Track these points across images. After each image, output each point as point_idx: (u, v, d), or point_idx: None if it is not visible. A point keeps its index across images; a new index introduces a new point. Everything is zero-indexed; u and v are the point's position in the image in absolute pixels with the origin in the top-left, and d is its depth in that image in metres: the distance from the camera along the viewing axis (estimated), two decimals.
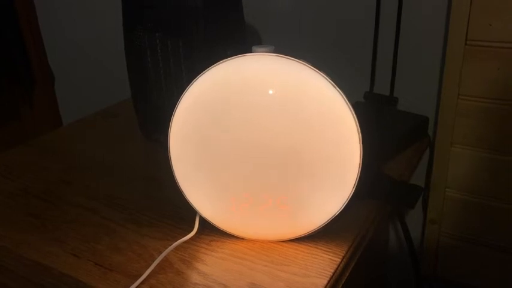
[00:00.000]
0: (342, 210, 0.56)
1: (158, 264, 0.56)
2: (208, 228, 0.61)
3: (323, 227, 0.57)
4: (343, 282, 0.55)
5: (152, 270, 0.55)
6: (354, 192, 0.54)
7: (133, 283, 0.53)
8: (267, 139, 0.53)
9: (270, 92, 0.53)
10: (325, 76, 0.52)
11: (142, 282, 0.54)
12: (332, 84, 0.52)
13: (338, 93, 0.52)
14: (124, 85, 0.89)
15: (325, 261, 0.56)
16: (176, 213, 0.65)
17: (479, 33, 0.71)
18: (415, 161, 0.83)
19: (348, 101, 0.52)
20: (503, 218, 0.80)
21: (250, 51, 0.56)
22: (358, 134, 0.52)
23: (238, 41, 0.79)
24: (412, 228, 0.93)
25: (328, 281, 0.53)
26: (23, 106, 1.43)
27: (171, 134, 0.58)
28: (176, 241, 0.58)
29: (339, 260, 0.56)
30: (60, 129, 1.06)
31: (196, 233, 0.60)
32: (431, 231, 0.88)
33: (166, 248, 0.57)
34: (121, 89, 1.01)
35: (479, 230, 0.84)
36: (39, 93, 1.43)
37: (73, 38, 1.34)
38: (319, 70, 0.52)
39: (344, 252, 0.57)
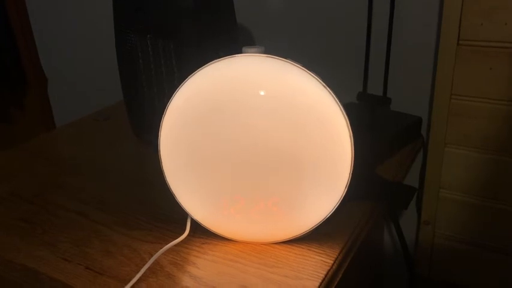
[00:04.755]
0: (334, 211, 0.55)
1: (149, 267, 0.55)
2: (200, 231, 0.61)
3: (315, 228, 0.57)
4: (335, 284, 0.55)
5: (143, 274, 0.54)
6: (346, 193, 0.54)
7: (124, 287, 0.53)
8: (258, 140, 0.53)
9: (261, 93, 0.53)
10: (316, 77, 0.52)
11: (133, 286, 0.53)
12: (323, 85, 0.52)
13: (329, 94, 0.52)
14: (116, 87, 0.89)
15: (318, 263, 0.55)
16: (167, 215, 0.65)
17: (471, 33, 0.71)
18: (408, 161, 0.83)
19: (341, 101, 0.52)
20: (497, 219, 0.80)
21: (241, 52, 0.55)
22: (350, 134, 0.52)
23: (230, 42, 0.79)
24: (407, 229, 0.93)
25: (321, 283, 0.53)
26: (15, 108, 1.42)
27: (161, 135, 0.58)
28: (167, 244, 0.58)
29: (332, 261, 0.56)
30: (52, 132, 1.06)
31: (187, 236, 0.60)
32: (425, 232, 0.88)
33: (158, 251, 0.57)
34: (113, 91, 1.00)
35: (473, 230, 0.84)
36: (31, 95, 1.42)
37: (66, 40, 1.34)
38: (310, 71, 0.52)
39: (337, 253, 0.57)
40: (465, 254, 0.86)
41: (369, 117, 0.88)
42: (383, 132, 0.83)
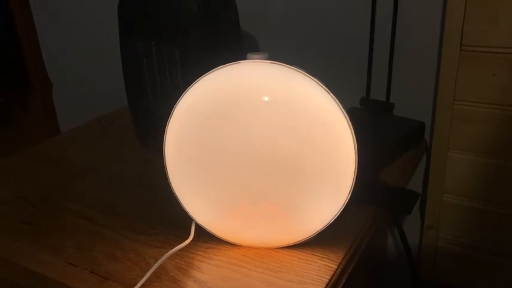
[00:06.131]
0: (338, 216, 0.55)
1: (154, 272, 0.55)
2: (204, 236, 0.61)
3: (319, 233, 0.57)
4: None
5: (148, 279, 0.54)
6: (349, 199, 0.54)
7: None
8: (262, 146, 0.53)
9: (265, 99, 0.53)
10: (320, 83, 0.52)
11: None
12: (327, 91, 0.52)
13: (333, 100, 0.52)
14: (121, 92, 0.89)
15: (322, 268, 0.56)
16: (172, 220, 0.65)
17: (474, 38, 0.71)
18: (411, 166, 0.83)
19: (344, 107, 0.52)
20: (501, 223, 0.80)
21: (245, 58, 0.56)
22: (353, 140, 0.52)
23: (235, 48, 0.79)
24: (410, 233, 0.93)
25: None
26: (19, 112, 1.43)
27: (166, 141, 0.58)
28: (172, 249, 0.58)
29: (336, 266, 0.56)
30: (57, 136, 1.06)
31: (192, 241, 0.60)
32: (429, 236, 0.88)
33: (163, 256, 0.57)
34: (118, 96, 1.01)
35: (477, 234, 0.84)
36: (35, 99, 1.43)
37: (70, 45, 1.35)
38: (314, 77, 0.52)
39: (340, 258, 0.57)
40: (468, 258, 0.86)
41: (372, 122, 0.89)
42: (386, 138, 0.83)
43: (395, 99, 0.91)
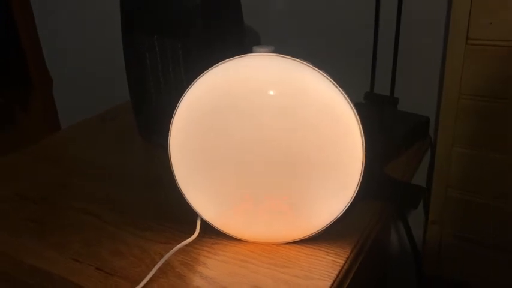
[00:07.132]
0: (345, 211, 0.55)
1: (160, 268, 0.55)
2: (210, 231, 0.61)
3: (326, 228, 0.57)
4: (346, 284, 0.55)
5: (154, 274, 0.54)
6: (356, 194, 0.54)
7: (135, 287, 0.53)
8: (268, 140, 0.53)
9: (271, 92, 0.52)
10: (327, 76, 0.52)
11: (144, 287, 0.53)
12: (334, 84, 0.51)
13: (340, 93, 0.51)
14: (123, 88, 0.88)
15: (329, 263, 0.55)
16: (178, 216, 0.65)
17: (480, 32, 0.71)
18: (416, 161, 0.83)
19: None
20: (505, 218, 0.80)
21: (250, 52, 0.55)
22: (361, 134, 0.52)
23: (238, 42, 0.79)
24: (414, 229, 0.93)
25: (332, 283, 0.53)
26: (20, 110, 1.42)
27: (171, 136, 0.58)
28: (178, 244, 0.58)
29: (343, 261, 0.55)
30: (59, 133, 1.06)
31: (198, 236, 0.60)
32: (433, 231, 0.87)
33: (168, 252, 0.56)
34: (120, 92, 1.00)
35: (481, 230, 0.83)
36: (36, 96, 1.42)
37: (72, 41, 1.34)
38: (320, 70, 0.52)
39: (347, 253, 0.57)
40: (473, 253, 0.85)
41: (376, 117, 0.88)
42: (391, 132, 0.83)
43: (399, 93, 0.90)
